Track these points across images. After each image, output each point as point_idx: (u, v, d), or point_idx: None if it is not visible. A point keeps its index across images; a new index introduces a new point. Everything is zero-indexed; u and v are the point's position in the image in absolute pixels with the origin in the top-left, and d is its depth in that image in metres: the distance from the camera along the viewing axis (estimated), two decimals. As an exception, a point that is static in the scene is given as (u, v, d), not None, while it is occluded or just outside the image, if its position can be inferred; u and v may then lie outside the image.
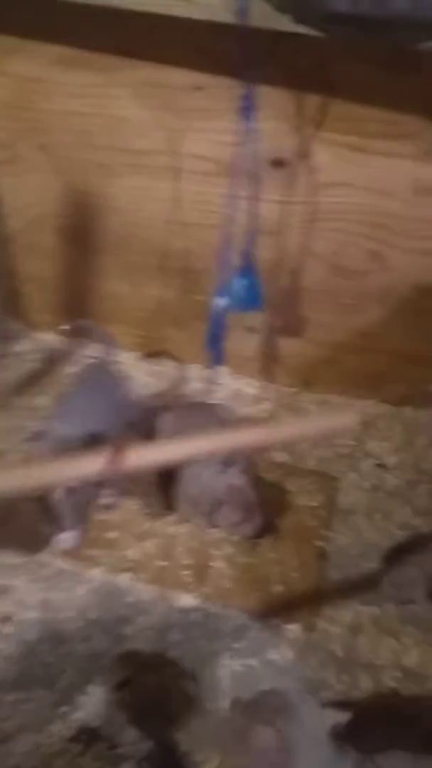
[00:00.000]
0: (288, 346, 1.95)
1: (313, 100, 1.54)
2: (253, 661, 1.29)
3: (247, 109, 1.38)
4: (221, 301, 1.55)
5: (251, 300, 1.57)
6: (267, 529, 1.51)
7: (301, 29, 1.22)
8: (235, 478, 1.46)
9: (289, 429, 1.04)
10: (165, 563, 1.46)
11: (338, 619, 1.38)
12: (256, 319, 1.90)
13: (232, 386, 2.01)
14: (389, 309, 1.79)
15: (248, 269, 1.54)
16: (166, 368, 2.05)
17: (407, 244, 1.68)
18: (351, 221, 1.68)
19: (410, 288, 1.74)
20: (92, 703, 1.24)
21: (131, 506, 1.59)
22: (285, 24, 1.23)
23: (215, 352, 1.67)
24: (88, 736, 1.19)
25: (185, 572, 1.45)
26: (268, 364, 2.01)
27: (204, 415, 1.63)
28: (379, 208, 1.64)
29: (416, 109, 1.49)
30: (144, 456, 0.99)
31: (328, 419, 1.04)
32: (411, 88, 1.46)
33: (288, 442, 1.11)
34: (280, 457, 1.77)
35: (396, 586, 1.41)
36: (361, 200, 1.63)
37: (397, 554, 1.47)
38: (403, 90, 1.47)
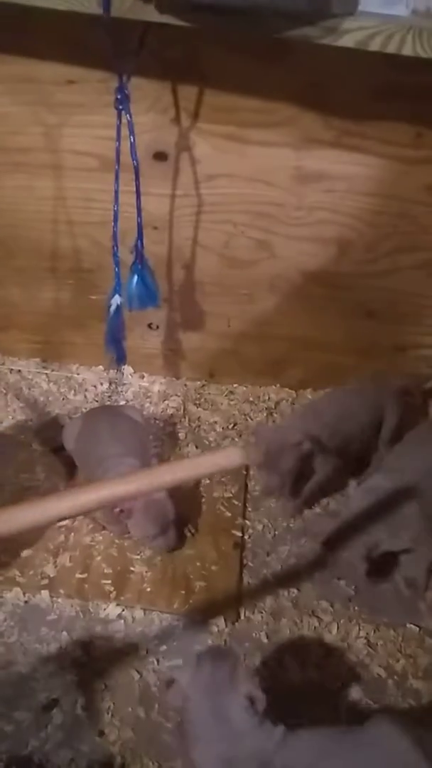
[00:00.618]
0: (189, 340, 1.95)
1: (188, 92, 1.53)
2: (180, 662, 1.29)
3: (122, 102, 1.35)
4: (117, 299, 1.52)
5: (147, 297, 1.54)
6: (180, 543, 1.48)
7: (168, 19, 1.20)
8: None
9: (175, 472, 1.00)
10: (84, 575, 1.42)
11: (260, 606, 1.40)
12: (156, 315, 1.88)
13: (138, 385, 1.99)
14: (281, 296, 1.83)
15: (140, 266, 1.51)
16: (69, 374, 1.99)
17: (292, 231, 1.71)
18: (236, 212, 1.69)
19: (298, 274, 1.79)
20: (20, 731, 1.19)
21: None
22: (151, 14, 1.21)
23: (117, 351, 1.63)
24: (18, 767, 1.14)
25: (106, 581, 1.41)
26: (172, 360, 2.00)
27: (112, 419, 1.60)
28: (262, 197, 1.66)
29: (289, 97, 1.51)
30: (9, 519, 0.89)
31: (216, 458, 1.02)
32: (282, 76, 1.48)
33: (174, 485, 1.08)
34: (192, 451, 1.78)
35: (339, 570, 1.45)
36: (244, 190, 1.65)
37: (336, 538, 1.49)
38: (275, 79, 1.49)
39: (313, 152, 1.58)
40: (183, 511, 1.51)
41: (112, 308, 1.51)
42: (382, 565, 1.43)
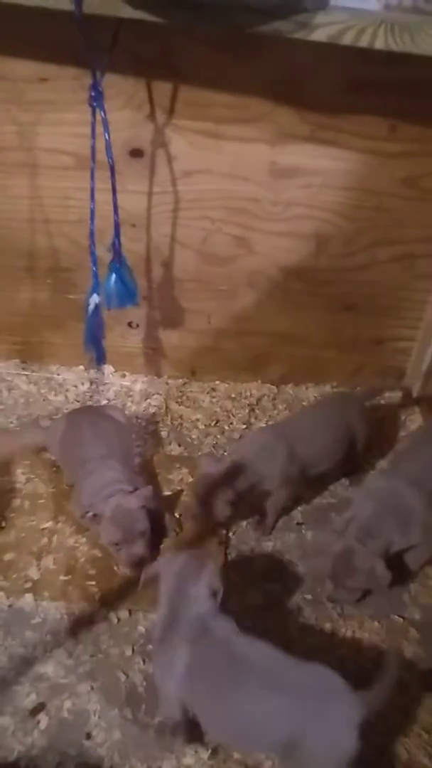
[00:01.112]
0: (170, 338, 1.94)
1: (163, 88, 1.52)
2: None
3: (96, 99, 1.34)
4: (95, 298, 1.50)
5: (126, 295, 1.53)
6: (149, 557, 1.40)
7: (141, 15, 1.19)
8: (131, 499, 1.39)
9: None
10: (68, 577, 1.41)
11: (245, 602, 1.40)
12: (135, 313, 1.87)
13: (119, 384, 1.98)
14: (260, 292, 1.83)
15: (118, 264, 1.50)
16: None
17: (269, 227, 1.71)
18: (214, 208, 1.69)
19: (277, 270, 1.79)
20: (6, 737, 1.18)
21: (25, 523, 1.52)
22: (123, 10, 1.19)
23: (96, 351, 1.62)
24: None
25: (90, 583, 1.40)
26: (153, 358, 1.99)
27: (94, 419, 1.58)
28: (239, 193, 1.66)
29: (263, 92, 1.51)
30: None
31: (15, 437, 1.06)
32: (255, 71, 1.48)
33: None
34: (175, 450, 1.77)
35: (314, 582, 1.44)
36: (221, 186, 1.64)
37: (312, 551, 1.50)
38: (249, 74, 1.49)
39: (288, 147, 1.58)
40: (162, 524, 1.50)
41: (91, 307, 1.50)
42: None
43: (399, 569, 1.40)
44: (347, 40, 1.15)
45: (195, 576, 1.16)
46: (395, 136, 1.58)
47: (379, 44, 1.15)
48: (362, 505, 1.41)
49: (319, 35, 1.16)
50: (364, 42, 1.15)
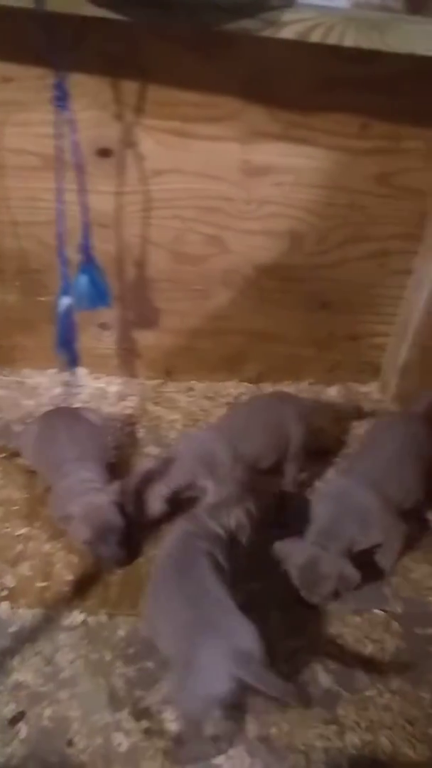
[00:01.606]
0: (144, 338, 1.92)
1: (130, 87, 1.50)
2: (148, 663, 1.27)
3: (61, 99, 1.32)
4: (66, 300, 1.49)
5: (97, 296, 1.51)
6: (126, 557, 1.40)
7: (104, 13, 1.17)
8: (101, 495, 1.37)
9: None
10: (45, 584, 1.39)
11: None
12: (108, 314, 1.85)
13: (93, 386, 1.95)
14: (235, 291, 1.83)
15: (89, 265, 1.48)
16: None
17: (242, 225, 1.71)
18: (185, 207, 1.68)
19: (251, 268, 1.79)
20: (-15, 748, 1.16)
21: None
22: (87, 8, 1.18)
23: (69, 353, 1.59)
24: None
25: (68, 589, 1.39)
26: (127, 359, 1.97)
27: (69, 422, 1.56)
28: (211, 192, 1.65)
29: (233, 90, 1.51)
30: None
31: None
32: (225, 70, 1.47)
33: None
34: (153, 451, 1.76)
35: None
36: (192, 185, 1.63)
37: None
38: (218, 72, 1.48)
39: (259, 145, 1.58)
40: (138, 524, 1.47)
41: (62, 309, 1.48)
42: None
43: (374, 564, 1.40)
44: (315, 37, 1.15)
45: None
46: (367, 133, 1.58)
47: (348, 41, 1.16)
48: (319, 508, 1.42)
49: (287, 33, 1.16)
50: (332, 39, 1.16)
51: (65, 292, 1.47)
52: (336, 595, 1.37)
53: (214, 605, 1.16)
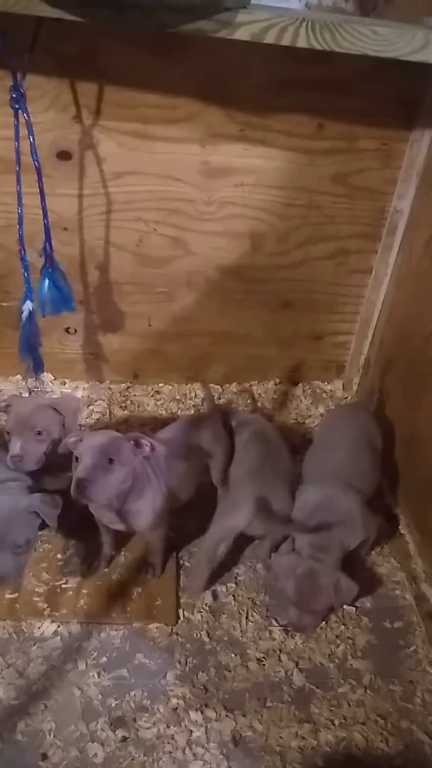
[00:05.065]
0: (110, 342, 1.91)
1: (88, 89, 1.49)
2: (122, 671, 1.26)
3: (17, 101, 1.29)
4: (29, 305, 1.46)
5: (60, 301, 1.49)
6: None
7: (58, 14, 1.15)
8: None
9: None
10: (14, 595, 1.36)
11: (199, 605, 1.39)
12: (73, 319, 1.83)
13: (60, 392, 1.93)
14: (199, 292, 1.83)
15: (51, 269, 1.46)
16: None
17: (204, 227, 1.71)
18: (147, 209, 1.67)
19: (214, 270, 1.79)
20: None
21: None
22: (41, 8, 1.16)
23: (33, 359, 1.57)
24: None
25: (38, 599, 1.36)
26: (93, 364, 1.95)
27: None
28: (172, 193, 1.65)
29: (191, 92, 1.51)
30: None
31: None
32: (182, 71, 1.48)
33: None
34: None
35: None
36: (153, 187, 1.63)
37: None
38: (176, 74, 1.48)
39: (219, 147, 1.59)
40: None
41: (24, 314, 1.45)
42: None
43: (346, 561, 1.41)
44: (270, 38, 1.16)
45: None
46: (323, 134, 1.60)
47: (301, 42, 1.16)
48: (307, 522, 1.37)
49: (241, 34, 1.15)
50: (286, 41, 1.16)
51: (28, 296, 1.44)
52: (329, 612, 1.37)
53: (276, 476, 1.40)
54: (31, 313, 1.46)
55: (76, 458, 1.18)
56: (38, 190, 1.37)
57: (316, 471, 1.50)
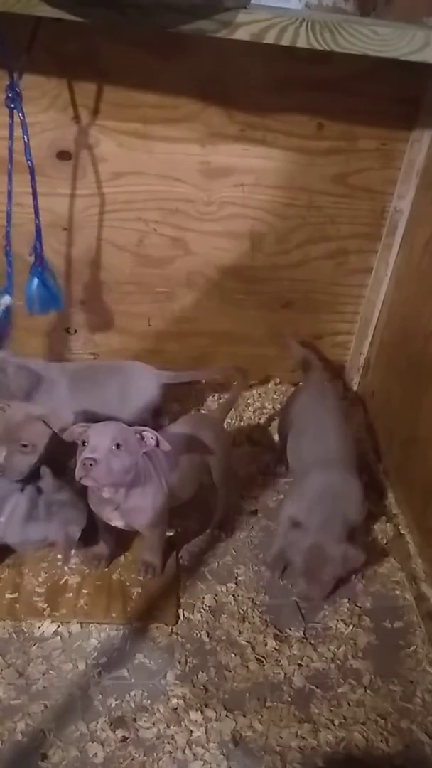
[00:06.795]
0: (110, 342, 1.91)
1: (88, 89, 1.49)
2: (123, 671, 1.26)
3: (13, 101, 1.30)
4: (6, 300, 1.47)
5: (49, 300, 1.50)
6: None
7: (58, 14, 1.16)
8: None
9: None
10: (14, 595, 1.36)
11: (200, 605, 1.39)
12: (73, 319, 1.83)
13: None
14: (199, 292, 1.83)
15: (40, 268, 1.46)
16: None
17: (204, 227, 1.71)
18: (147, 209, 1.67)
19: (214, 270, 1.79)
20: None
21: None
22: (40, 8, 1.16)
23: None
24: None
25: (38, 599, 1.36)
26: (93, 364, 1.95)
27: None
28: (172, 194, 1.65)
29: (191, 92, 1.51)
30: None
31: None
32: (183, 71, 1.48)
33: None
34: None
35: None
36: (153, 187, 1.63)
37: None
38: (176, 74, 1.48)
39: (219, 147, 1.59)
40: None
41: (1, 308, 1.46)
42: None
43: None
44: (270, 38, 1.16)
45: None
46: (323, 134, 1.60)
47: (301, 42, 1.16)
48: (313, 506, 1.39)
49: (241, 34, 1.16)
50: (286, 41, 1.16)
51: (7, 291, 1.45)
52: (337, 585, 1.40)
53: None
54: (8, 308, 1.47)
55: (83, 442, 1.19)
56: (32, 190, 1.37)
57: (317, 458, 1.49)
